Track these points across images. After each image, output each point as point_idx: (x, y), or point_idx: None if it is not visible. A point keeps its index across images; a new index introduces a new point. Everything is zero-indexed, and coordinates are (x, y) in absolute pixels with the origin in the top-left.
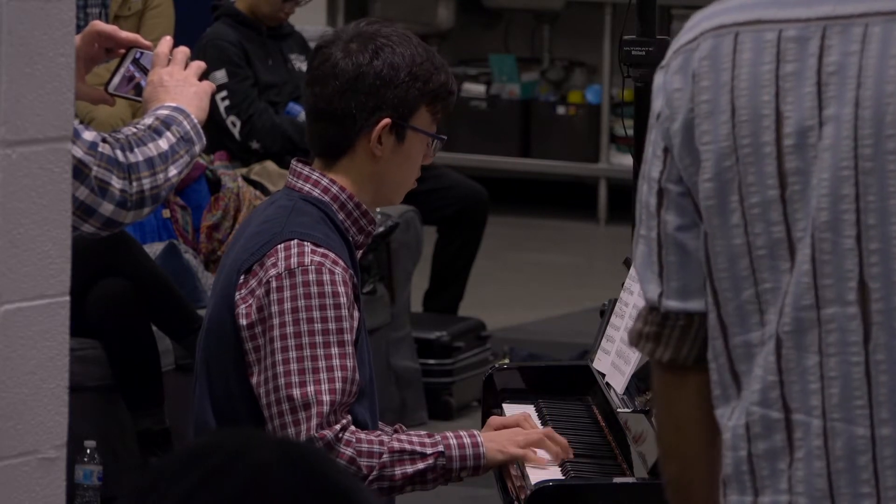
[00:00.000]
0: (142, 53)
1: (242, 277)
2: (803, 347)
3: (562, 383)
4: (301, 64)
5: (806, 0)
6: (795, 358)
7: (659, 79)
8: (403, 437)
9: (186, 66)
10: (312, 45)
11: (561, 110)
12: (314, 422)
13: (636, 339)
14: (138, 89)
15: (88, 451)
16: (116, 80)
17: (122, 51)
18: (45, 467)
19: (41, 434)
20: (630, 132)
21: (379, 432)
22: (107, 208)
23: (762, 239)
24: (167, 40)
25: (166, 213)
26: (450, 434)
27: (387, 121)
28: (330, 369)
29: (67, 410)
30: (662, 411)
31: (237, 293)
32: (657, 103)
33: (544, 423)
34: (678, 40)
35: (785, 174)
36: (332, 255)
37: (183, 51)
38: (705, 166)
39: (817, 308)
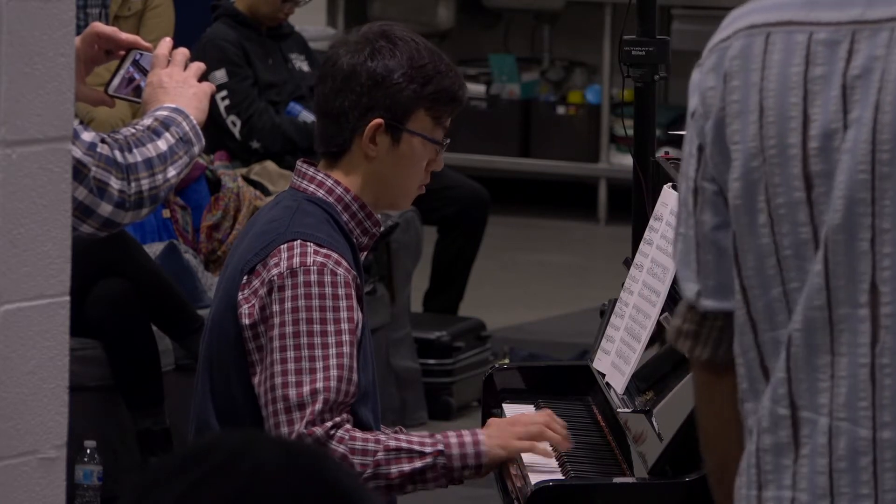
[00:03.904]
0: (142, 55)
1: (245, 278)
2: (813, 346)
3: (562, 383)
4: (301, 63)
5: (838, 3)
6: (804, 356)
7: (695, 77)
8: (402, 436)
9: (186, 67)
10: (312, 45)
11: (561, 110)
12: (306, 420)
13: (675, 336)
14: (138, 91)
15: (88, 451)
16: (116, 81)
17: (122, 52)
18: (45, 467)
19: (41, 434)
20: (630, 132)
21: (377, 432)
22: (105, 209)
23: (788, 239)
24: (167, 41)
25: (166, 213)
26: (451, 433)
27: (378, 121)
28: (326, 369)
29: (67, 410)
30: (703, 406)
31: (240, 293)
32: (693, 101)
33: None
34: (714, 38)
35: (810, 176)
36: (334, 255)
37: (182, 52)
38: (734, 165)
39: (829, 308)
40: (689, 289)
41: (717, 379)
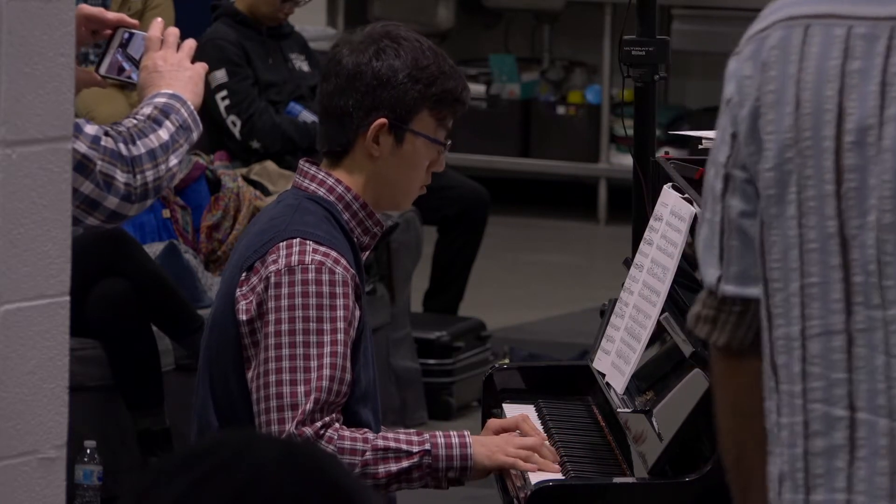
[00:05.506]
0: (131, 34)
1: (244, 274)
2: (873, 346)
3: (562, 383)
4: (301, 63)
5: None
6: (866, 356)
7: (731, 65)
8: (390, 435)
9: (178, 48)
10: (312, 45)
11: (561, 110)
12: (297, 420)
13: (694, 321)
14: (130, 78)
15: (88, 451)
16: (106, 62)
17: (109, 31)
18: (45, 467)
19: (41, 434)
20: (630, 132)
21: (365, 430)
22: (112, 202)
23: (814, 232)
24: (158, 22)
25: (166, 213)
26: (439, 433)
27: (382, 121)
28: (320, 368)
29: (67, 410)
30: (719, 394)
31: (238, 290)
32: (728, 89)
33: (544, 423)
34: (752, 27)
35: (842, 170)
36: (333, 254)
37: (174, 32)
38: (767, 156)
39: (883, 308)
40: (710, 274)
41: (735, 364)
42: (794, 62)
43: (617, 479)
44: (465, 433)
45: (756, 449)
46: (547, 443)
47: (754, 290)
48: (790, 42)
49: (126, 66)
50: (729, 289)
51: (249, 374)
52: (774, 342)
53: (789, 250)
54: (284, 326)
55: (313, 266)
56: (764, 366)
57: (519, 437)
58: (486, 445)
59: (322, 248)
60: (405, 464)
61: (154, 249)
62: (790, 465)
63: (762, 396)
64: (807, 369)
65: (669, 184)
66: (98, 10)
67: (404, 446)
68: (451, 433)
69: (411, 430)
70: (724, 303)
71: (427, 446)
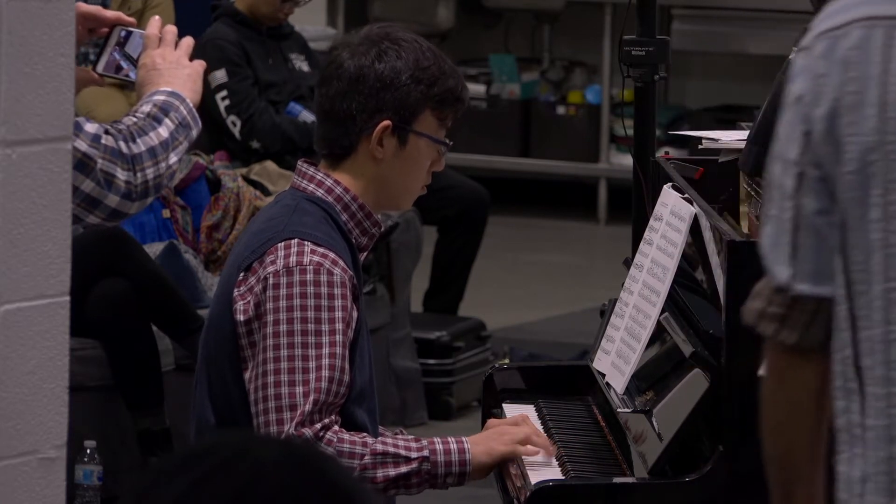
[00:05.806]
0: (128, 33)
1: (242, 275)
2: None
3: (562, 383)
4: (301, 63)
5: None
6: None
7: (800, 61)
8: (389, 440)
9: (176, 45)
10: (312, 45)
11: (561, 110)
12: (296, 421)
13: (756, 317)
14: (128, 76)
15: (88, 451)
16: (104, 60)
17: (106, 29)
18: (45, 467)
19: (41, 434)
20: (630, 132)
21: (364, 434)
22: (112, 200)
23: None
24: (156, 20)
25: (166, 213)
26: (437, 439)
27: (386, 123)
28: (318, 369)
29: (67, 410)
30: (776, 391)
31: (236, 290)
32: (798, 85)
33: (544, 423)
34: (821, 24)
35: None
36: (331, 255)
37: (172, 30)
38: (848, 158)
39: None
40: (781, 272)
41: (802, 362)
42: (877, 63)
43: (617, 479)
44: (464, 439)
45: (806, 446)
46: (539, 433)
47: (828, 289)
48: (871, 43)
49: (124, 64)
50: (803, 287)
51: (247, 375)
52: (858, 344)
53: (872, 253)
54: (283, 327)
55: (311, 267)
56: (838, 366)
57: (510, 428)
58: (480, 444)
59: (320, 249)
60: (403, 469)
61: (154, 249)
62: (874, 467)
63: (823, 395)
64: (889, 374)
65: (669, 184)
66: (95, 9)
67: (403, 452)
68: (450, 439)
69: (410, 437)
70: (796, 301)
71: (426, 452)
